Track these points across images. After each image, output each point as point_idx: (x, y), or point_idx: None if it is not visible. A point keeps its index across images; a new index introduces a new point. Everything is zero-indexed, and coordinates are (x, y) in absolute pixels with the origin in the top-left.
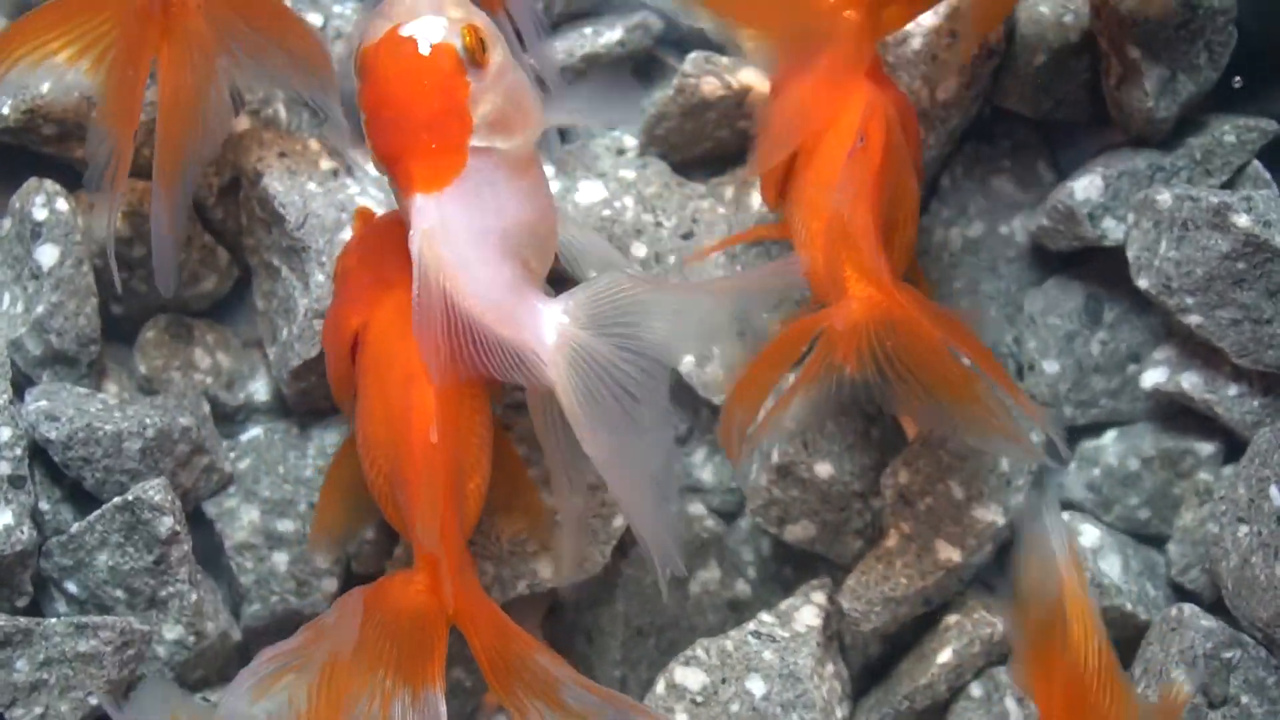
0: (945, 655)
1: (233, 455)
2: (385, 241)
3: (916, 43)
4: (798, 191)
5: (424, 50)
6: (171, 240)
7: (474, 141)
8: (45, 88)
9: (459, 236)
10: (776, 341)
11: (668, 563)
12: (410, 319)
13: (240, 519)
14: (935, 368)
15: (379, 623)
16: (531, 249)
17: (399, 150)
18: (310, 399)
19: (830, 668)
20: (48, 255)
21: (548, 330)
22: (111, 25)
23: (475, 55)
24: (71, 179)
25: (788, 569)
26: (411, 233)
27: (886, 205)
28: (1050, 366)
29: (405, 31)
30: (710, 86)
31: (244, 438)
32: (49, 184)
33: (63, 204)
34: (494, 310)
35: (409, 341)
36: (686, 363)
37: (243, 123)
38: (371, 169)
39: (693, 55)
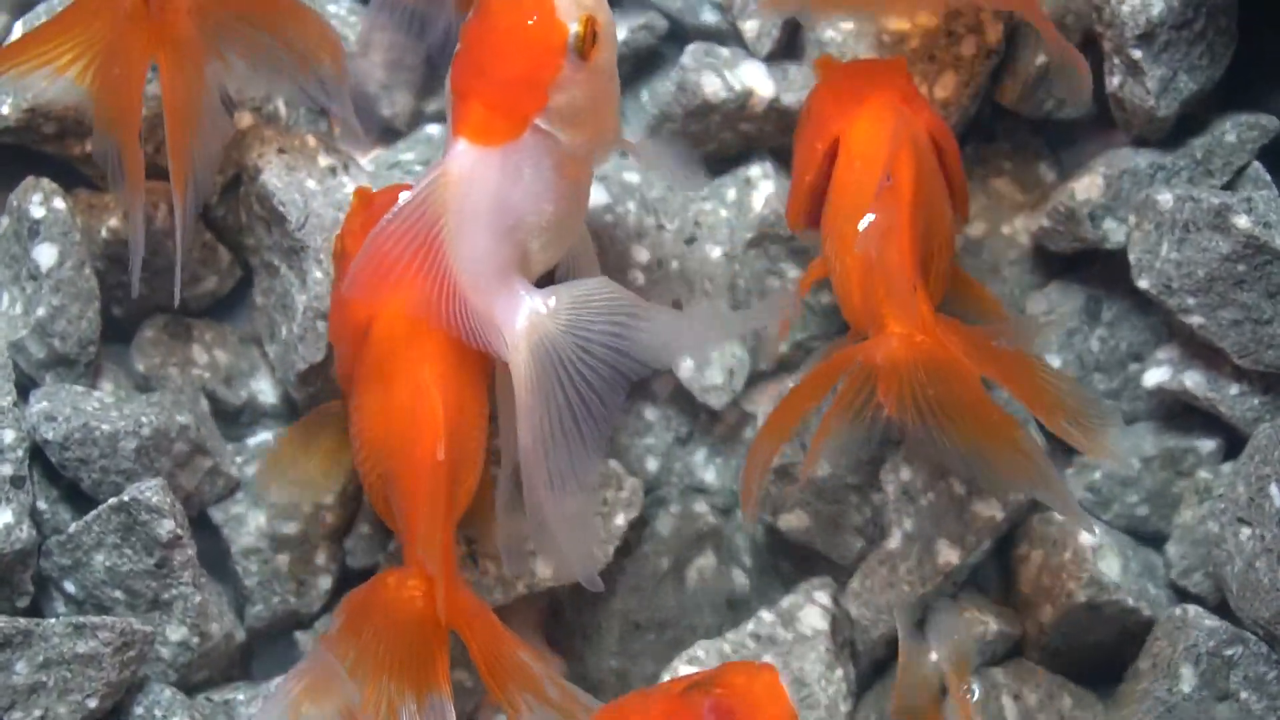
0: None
1: (239, 460)
2: None
3: (915, 42)
4: (829, 222)
5: (538, 15)
6: (184, 247)
7: (538, 121)
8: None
9: (478, 197)
10: (811, 376)
11: (565, 573)
12: (418, 318)
13: (247, 524)
14: (974, 413)
15: (377, 628)
16: (541, 243)
17: (468, 90)
18: (319, 402)
19: (839, 671)
20: (46, 255)
21: (521, 314)
22: (103, 32)
23: (583, 45)
24: (71, 177)
25: (785, 563)
26: (434, 167)
27: (921, 240)
28: (1052, 361)
29: None
30: (712, 87)
31: (252, 442)
32: (46, 182)
33: (60, 203)
34: (475, 278)
35: (418, 344)
36: (686, 367)
37: (245, 120)
38: (368, 166)
39: (691, 47)
